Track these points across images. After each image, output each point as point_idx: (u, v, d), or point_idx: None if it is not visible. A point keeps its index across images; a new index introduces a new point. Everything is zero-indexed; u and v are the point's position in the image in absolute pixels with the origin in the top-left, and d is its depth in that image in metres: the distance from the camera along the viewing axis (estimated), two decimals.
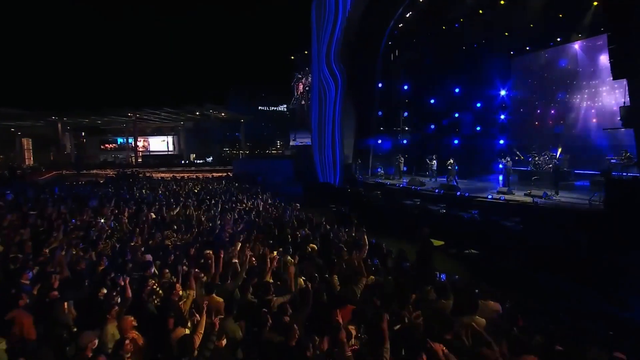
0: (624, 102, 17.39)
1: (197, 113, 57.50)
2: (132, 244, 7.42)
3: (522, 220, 9.38)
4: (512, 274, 7.61)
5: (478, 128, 22.34)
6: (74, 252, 6.39)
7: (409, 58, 21.69)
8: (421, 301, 4.52)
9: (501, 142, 22.23)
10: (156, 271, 5.63)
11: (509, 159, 15.84)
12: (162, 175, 34.31)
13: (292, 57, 32.57)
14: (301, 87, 33.21)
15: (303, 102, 32.52)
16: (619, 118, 15.07)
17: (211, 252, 6.07)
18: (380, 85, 22.00)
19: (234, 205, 12.68)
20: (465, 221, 10.29)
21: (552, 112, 20.88)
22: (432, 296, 4.66)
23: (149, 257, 6.15)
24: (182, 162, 62.12)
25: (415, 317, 4.07)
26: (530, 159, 18.17)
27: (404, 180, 19.33)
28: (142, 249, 7.03)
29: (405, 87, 22.96)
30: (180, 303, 4.56)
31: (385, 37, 20.47)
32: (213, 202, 13.03)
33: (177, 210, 11.38)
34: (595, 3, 16.08)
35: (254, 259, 6.15)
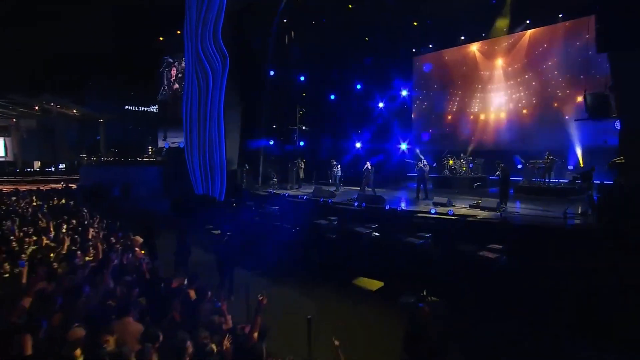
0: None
1: (37, 108, 45.34)
2: None
3: (507, 248, 6.24)
4: None
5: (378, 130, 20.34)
6: None
7: (307, 42, 18.07)
8: None
9: (403, 146, 20.63)
10: None
11: (425, 162, 13.26)
12: None
13: (161, 39, 26.26)
14: (174, 72, 26.98)
15: (177, 87, 26.35)
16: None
17: None
18: (271, 73, 17.95)
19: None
20: (418, 251, 6.72)
21: (455, 114, 19.70)
22: None
23: None
24: (17, 170, 48.83)
25: None
26: (445, 163, 16.57)
27: (303, 190, 15.63)
28: None
29: (302, 78, 19.30)
30: None
31: (279, 13, 16.57)
32: None
33: None
34: None
35: None
